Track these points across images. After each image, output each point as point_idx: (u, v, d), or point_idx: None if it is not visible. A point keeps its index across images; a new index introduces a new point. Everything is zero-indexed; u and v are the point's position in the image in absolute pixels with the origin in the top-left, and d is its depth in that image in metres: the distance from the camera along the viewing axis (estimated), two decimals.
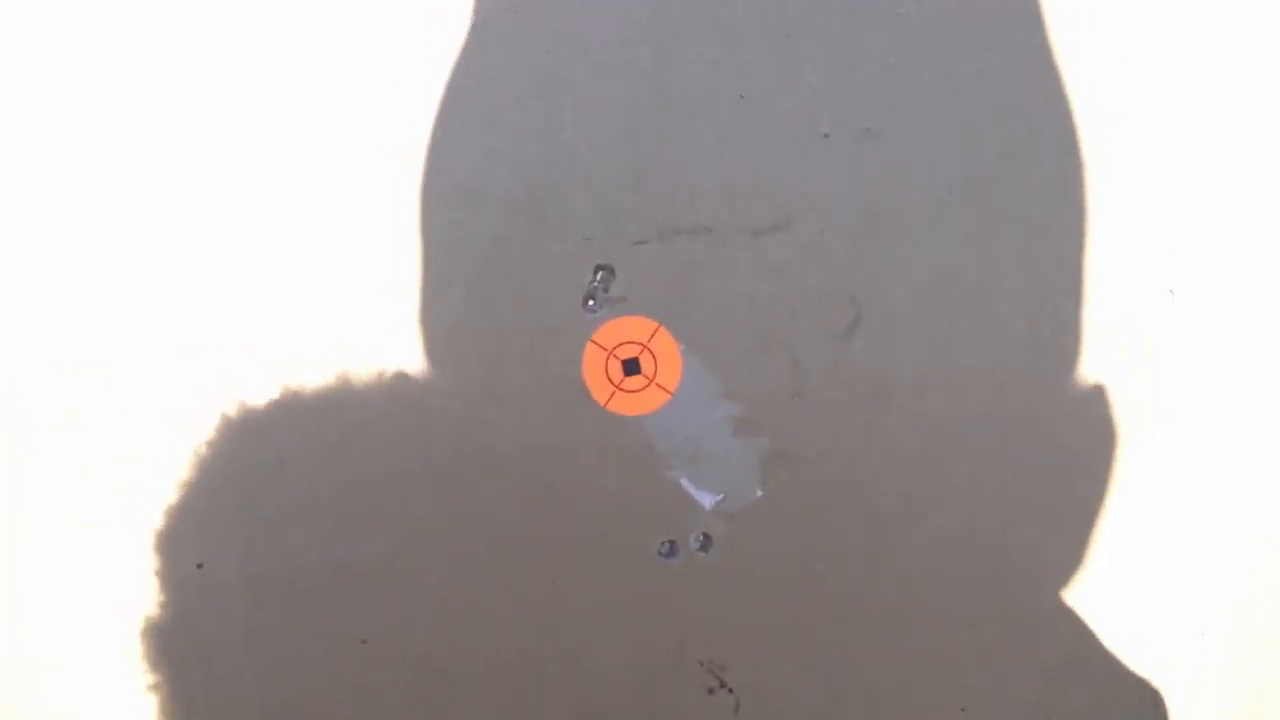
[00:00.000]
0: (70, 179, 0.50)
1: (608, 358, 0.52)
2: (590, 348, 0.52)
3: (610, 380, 0.52)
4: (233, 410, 0.51)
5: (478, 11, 0.51)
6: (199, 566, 0.52)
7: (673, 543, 0.53)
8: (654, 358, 0.52)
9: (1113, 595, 0.56)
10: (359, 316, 0.51)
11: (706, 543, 0.54)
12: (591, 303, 0.52)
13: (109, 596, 0.52)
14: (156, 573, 0.52)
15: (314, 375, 0.51)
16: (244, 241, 0.51)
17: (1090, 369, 0.54)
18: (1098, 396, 0.54)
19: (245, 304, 0.51)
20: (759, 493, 0.53)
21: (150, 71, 0.50)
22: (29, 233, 0.50)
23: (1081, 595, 0.55)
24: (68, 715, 0.52)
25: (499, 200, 0.51)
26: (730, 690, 0.55)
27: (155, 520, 0.51)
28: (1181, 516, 0.56)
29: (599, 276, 0.52)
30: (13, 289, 0.50)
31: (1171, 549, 0.56)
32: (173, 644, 0.52)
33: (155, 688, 0.52)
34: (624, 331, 0.52)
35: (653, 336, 0.52)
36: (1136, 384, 0.54)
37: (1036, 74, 0.53)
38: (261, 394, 0.51)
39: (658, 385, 0.52)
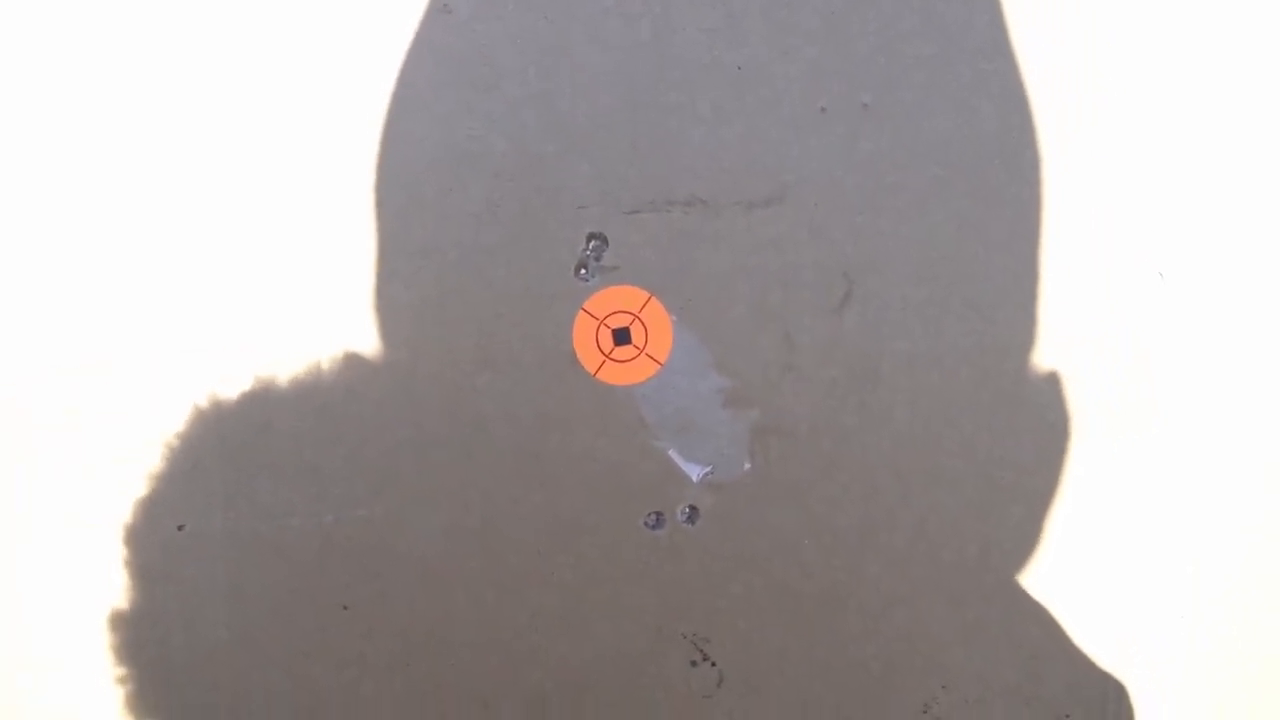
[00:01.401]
0: (69, 180, 0.50)
1: (598, 327, 0.52)
2: (581, 316, 0.52)
3: (600, 349, 0.52)
4: (218, 374, 0.51)
5: None
6: (180, 528, 0.52)
7: (659, 514, 0.53)
8: (645, 328, 0.52)
9: (1105, 586, 0.56)
10: (349, 282, 0.51)
11: (693, 515, 0.53)
12: (583, 271, 0.52)
13: (109, 596, 0.52)
14: (136, 534, 0.51)
15: (302, 339, 0.51)
16: (241, 228, 0.51)
17: (1082, 359, 0.54)
18: (1087, 380, 0.54)
19: (243, 293, 0.51)
20: (747, 466, 0.53)
21: (147, 70, 0.50)
22: (29, 233, 0.50)
23: (1072, 585, 0.55)
24: (68, 715, 0.52)
25: (493, 166, 0.51)
26: (713, 663, 0.55)
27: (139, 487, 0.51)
28: (1173, 506, 0.56)
29: (591, 245, 0.52)
30: (13, 289, 0.50)
31: (1163, 539, 0.56)
32: (152, 606, 0.52)
33: (135, 648, 0.52)
34: (615, 301, 0.52)
35: (644, 307, 0.52)
36: (1130, 376, 0.54)
37: (1034, 52, 0.53)
38: (250, 360, 0.51)
39: (648, 355, 0.52)
